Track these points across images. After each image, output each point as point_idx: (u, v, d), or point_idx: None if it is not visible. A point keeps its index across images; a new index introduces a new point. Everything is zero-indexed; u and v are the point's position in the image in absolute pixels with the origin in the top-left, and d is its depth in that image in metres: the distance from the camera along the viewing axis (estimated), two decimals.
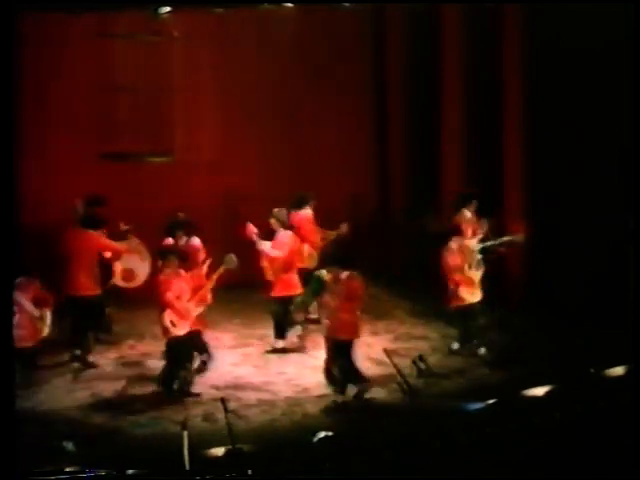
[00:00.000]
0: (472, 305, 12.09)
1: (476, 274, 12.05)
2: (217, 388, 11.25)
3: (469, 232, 12.18)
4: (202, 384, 11.34)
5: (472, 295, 12.06)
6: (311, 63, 15.37)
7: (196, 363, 11.50)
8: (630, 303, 11.13)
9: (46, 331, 11.05)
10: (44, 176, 13.89)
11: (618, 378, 9.94)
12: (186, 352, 11.14)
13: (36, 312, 10.94)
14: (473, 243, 12.11)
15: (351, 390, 10.80)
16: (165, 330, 10.96)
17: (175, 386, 11.03)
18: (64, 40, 13.74)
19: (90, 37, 13.68)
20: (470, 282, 12.04)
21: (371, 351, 12.08)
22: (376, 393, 11.03)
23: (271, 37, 14.44)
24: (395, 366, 10.43)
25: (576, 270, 12.98)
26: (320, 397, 11.00)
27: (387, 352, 10.89)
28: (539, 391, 9.78)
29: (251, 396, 11.03)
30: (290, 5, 13.01)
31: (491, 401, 9.64)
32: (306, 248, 13.31)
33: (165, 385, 11.06)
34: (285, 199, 14.55)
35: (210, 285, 11.27)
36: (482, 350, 12.09)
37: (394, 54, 15.76)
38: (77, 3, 11.93)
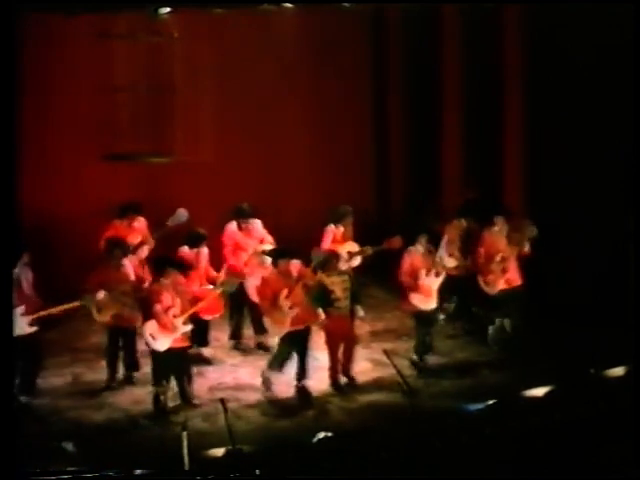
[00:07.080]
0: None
1: (434, 282, 11.71)
2: (217, 389, 11.26)
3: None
4: (202, 385, 11.35)
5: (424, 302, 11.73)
6: (311, 63, 15.37)
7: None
8: (630, 303, 11.17)
9: None
10: (44, 176, 13.87)
11: (618, 378, 9.95)
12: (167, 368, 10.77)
13: None
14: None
15: None
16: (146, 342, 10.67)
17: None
18: (64, 40, 13.72)
19: (90, 37, 13.66)
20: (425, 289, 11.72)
21: (371, 352, 12.07)
22: (376, 393, 11.04)
23: (271, 37, 14.43)
24: (395, 367, 10.41)
25: (576, 270, 12.99)
26: (320, 397, 11.00)
27: (387, 352, 10.89)
28: (539, 391, 9.79)
29: (251, 397, 11.03)
30: (290, 5, 13.00)
31: (491, 401, 9.65)
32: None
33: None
34: (285, 198, 14.61)
35: (206, 300, 11.02)
36: (415, 357, 11.82)
37: (394, 54, 15.74)
38: (77, 3, 11.91)
